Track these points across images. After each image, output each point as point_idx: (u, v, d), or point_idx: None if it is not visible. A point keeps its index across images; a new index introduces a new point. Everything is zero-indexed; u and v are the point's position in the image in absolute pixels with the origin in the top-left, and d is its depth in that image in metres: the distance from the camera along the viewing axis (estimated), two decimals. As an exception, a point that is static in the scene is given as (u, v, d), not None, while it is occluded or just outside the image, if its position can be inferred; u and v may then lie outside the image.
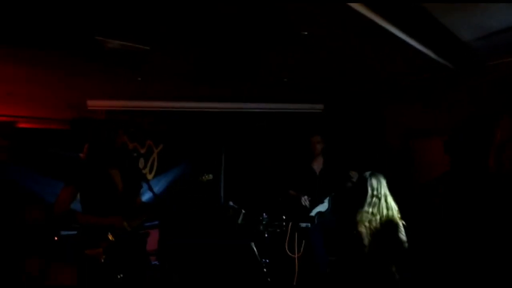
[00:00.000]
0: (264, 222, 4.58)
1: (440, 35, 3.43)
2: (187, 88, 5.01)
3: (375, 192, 3.43)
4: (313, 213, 4.75)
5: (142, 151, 6.18)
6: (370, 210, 3.39)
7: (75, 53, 3.58)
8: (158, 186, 6.11)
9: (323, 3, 2.73)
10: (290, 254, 4.72)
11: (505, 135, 4.02)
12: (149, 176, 6.12)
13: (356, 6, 2.78)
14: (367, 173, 3.56)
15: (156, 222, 4.23)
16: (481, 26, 3.28)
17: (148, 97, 5.47)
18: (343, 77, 4.74)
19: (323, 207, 4.77)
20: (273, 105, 5.91)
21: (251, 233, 4.57)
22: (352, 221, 3.42)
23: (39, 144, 5.42)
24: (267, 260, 4.16)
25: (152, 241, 4.66)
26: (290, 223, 4.77)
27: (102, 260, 2.96)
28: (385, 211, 3.41)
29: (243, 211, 4.76)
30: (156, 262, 4.27)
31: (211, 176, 3.94)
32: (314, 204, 4.77)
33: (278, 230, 4.77)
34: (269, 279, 3.89)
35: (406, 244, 3.36)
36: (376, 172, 3.57)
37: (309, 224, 4.72)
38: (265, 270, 3.92)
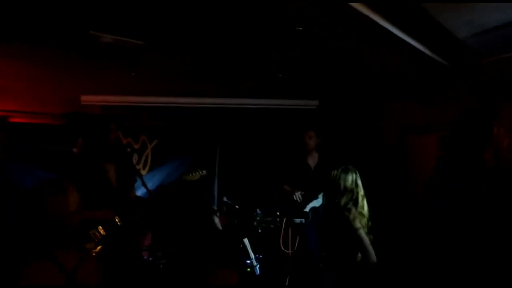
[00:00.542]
0: (258, 218, 4.57)
1: (436, 32, 3.43)
2: (181, 84, 5.00)
3: (347, 186, 3.35)
4: (307, 208, 4.75)
5: (136, 146, 6.17)
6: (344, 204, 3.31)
7: (69, 47, 3.55)
8: (152, 181, 6.08)
9: (321, 2, 2.72)
10: (285, 250, 4.72)
11: (502, 130, 4.04)
12: (143, 172, 6.10)
13: (354, 5, 2.78)
14: (340, 168, 3.48)
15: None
16: (476, 23, 3.29)
17: (142, 93, 5.45)
18: (339, 74, 4.74)
19: (317, 202, 4.77)
20: (268, 101, 5.91)
21: (244, 229, 4.57)
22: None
23: (32, 139, 5.39)
24: (261, 256, 4.16)
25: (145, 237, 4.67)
26: (284, 219, 4.77)
27: (95, 254, 2.95)
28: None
29: (237, 207, 4.75)
30: (150, 258, 4.26)
31: (204, 172, 3.92)
32: (308, 200, 4.77)
33: (272, 226, 4.77)
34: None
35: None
36: (350, 166, 3.51)
37: (303, 220, 4.72)
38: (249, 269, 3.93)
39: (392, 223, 4.48)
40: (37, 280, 3.71)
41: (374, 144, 5.29)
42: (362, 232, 3.18)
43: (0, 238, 4.44)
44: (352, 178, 3.37)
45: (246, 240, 4.06)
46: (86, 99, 5.34)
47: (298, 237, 4.73)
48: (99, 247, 2.96)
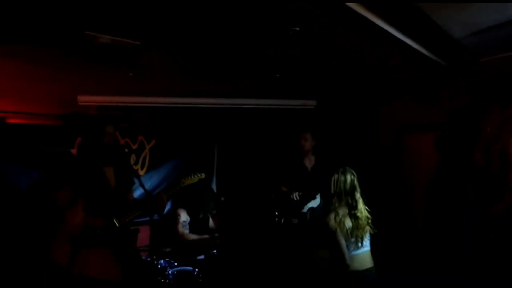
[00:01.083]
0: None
1: (432, 32, 3.44)
2: (179, 83, 4.99)
3: (336, 189, 3.35)
4: (305, 209, 4.76)
5: (134, 147, 6.16)
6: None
7: (65, 48, 3.54)
8: (150, 182, 6.09)
9: (318, 2, 2.72)
10: (283, 250, 4.72)
11: (493, 130, 4.04)
12: (141, 172, 6.10)
13: (350, 4, 2.78)
14: (340, 170, 3.47)
15: (147, 219, 4.17)
16: (472, 23, 3.29)
17: (140, 93, 5.44)
18: (336, 74, 4.74)
19: (315, 203, 4.79)
20: (266, 101, 5.91)
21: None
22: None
23: (29, 140, 5.37)
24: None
25: (143, 237, 4.67)
26: (283, 219, 4.78)
27: None
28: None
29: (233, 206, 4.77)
30: (148, 258, 4.27)
31: (203, 175, 3.93)
32: (306, 200, 4.78)
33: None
34: None
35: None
36: (345, 166, 3.50)
37: (301, 220, 4.73)
38: None
39: (389, 224, 4.48)
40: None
41: (370, 144, 5.30)
42: (339, 235, 3.18)
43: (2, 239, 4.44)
44: (350, 179, 3.37)
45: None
46: (84, 99, 5.32)
47: (297, 237, 4.73)
48: None
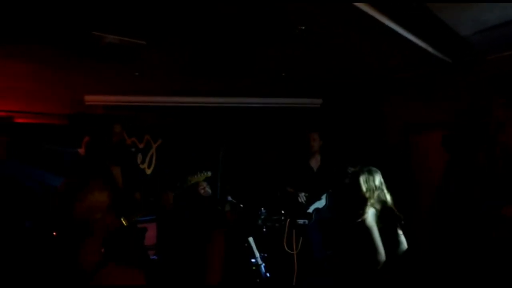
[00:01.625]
0: (262, 217, 4.59)
1: (438, 29, 3.43)
2: (185, 83, 5.00)
3: (368, 187, 3.39)
4: (310, 209, 4.75)
5: (141, 146, 6.19)
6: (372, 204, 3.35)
7: (72, 48, 3.56)
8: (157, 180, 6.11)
9: (326, 2, 2.72)
10: (289, 251, 4.72)
11: (497, 129, 4.02)
12: (148, 171, 6.12)
13: (357, 4, 2.78)
14: (358, 168, 3.51)
15: (153, 217, 4.22)
16: (479, 20, 3.28)
17: (146, 92, 5.46)
18: (341, 72, 4.74)
19: (320, 203, 4.77)
20: (271, 99, 5.91)
21: (249, 228, 4.58)
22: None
23: (37, 139, 5.40)
24: (266, 254, 4.17)
25: (150, 236, 4.69)
26: (288, 220, 4.78)
27: None
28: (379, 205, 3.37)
29: (241, 205, 4.77)
30: (155, 257, 4.29)
31: (209, 174, 3.94)
32: (311, 201, 4.77)
33: (276, 225, 4.78)
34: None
35: (403, 240, 3.32)
36: (369, 166, 3.53)
37: (306, 221, 4.73)
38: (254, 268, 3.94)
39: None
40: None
41: (377, 143, 5.28)
42: (376, 231, 3.22)
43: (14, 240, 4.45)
44: (378, 176, 3.41)
45: (251, 239, 4.08)
46: (90, 99, 5.35)
47: (301, 238, 4.73)
48: None
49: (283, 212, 4.76)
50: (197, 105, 5.81)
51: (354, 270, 3.38)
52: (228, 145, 6.68)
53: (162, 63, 4.19)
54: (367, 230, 3.22)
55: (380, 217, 3.30)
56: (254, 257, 4.02)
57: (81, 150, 4.99)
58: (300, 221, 4.72)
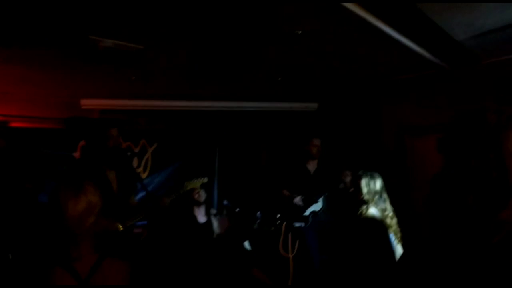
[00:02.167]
0: (258, 221, 4.59)
1: (434, 34, 3.44)
2: (181, 87, 5.00)
3: (369, 190, 3.40)
4: (307, 212, 4.75)
5: (136, 150, 6.17)
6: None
7: (69, 52, 3.56)
8: (152, 185, 6.09)
9: (319, 4, 2.73)
10: (284, 254, 4.71)
11: (491, 133, 4.03)
12: (143, 175, 6.10)
13: (351, 6, 2.78)
14: (360, 172, 3.52)
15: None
16: (474, 25, 3.29)
17: (142, 96, 5.45)
18: (338, 76, 4.75)
19: (317, 206, 4.77)
20: (267, 104, 5.91)
21: (245, 232, 4.57)
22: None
23: (33, 144, 5.37)
24: (262, 258, 4.17)
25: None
26: (284, 223, 4.77)
27: None
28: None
29: (237, 210, 4.76)
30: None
31: (206, 179, 3.93)
32: (308, 204, 4.76)
33: (272, 229, 4.77)
34: None
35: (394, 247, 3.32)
36: (369, 170, 3.55)
37: (303, 224, 4.72)
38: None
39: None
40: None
41: (373, 147, 5.29)
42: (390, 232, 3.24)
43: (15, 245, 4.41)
44: (380, 183, 3.42)
45: (247, 243, 4.07)
46: (86, 103, 5.34)
47: (297, 241, 4.72)
48: None
49: (279, 215, 4.75)
50: (193, 109, 5.80)
51: (352, 273, 3.37)
52: (224, 149, 6.67)
53: (158, 68, 4.19)
54: (367, 229, 3.23)
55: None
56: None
57: (76, 154, 4.98)
58: (297, 224, 4.71)
